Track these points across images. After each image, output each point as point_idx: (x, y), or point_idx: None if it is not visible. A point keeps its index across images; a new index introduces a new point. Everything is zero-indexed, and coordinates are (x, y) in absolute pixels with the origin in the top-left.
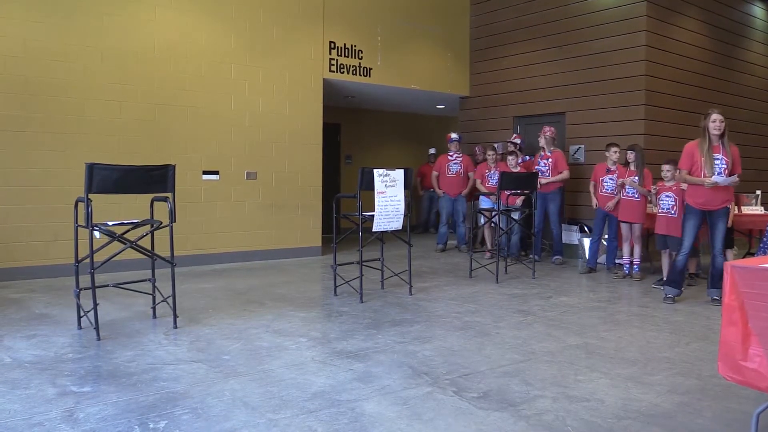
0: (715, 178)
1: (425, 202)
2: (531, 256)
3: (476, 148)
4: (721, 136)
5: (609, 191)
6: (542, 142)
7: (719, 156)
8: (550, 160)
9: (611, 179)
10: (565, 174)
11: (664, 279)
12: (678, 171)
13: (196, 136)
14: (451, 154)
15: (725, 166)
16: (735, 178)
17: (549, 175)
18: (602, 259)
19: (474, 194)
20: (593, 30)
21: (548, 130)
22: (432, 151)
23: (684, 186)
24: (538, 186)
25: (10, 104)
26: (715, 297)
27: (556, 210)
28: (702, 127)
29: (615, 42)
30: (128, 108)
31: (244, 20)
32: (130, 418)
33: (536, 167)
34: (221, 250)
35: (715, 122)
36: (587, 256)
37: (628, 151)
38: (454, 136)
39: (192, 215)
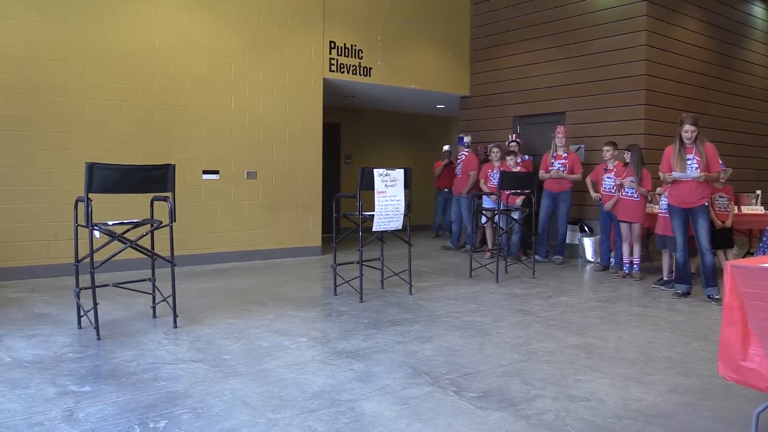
0: (676, 174)
1: (439, 203)
2: (533, 256)
3: (477, 148)
4: (694, 140)
5: (607, 190)
6: (561, 142)
7: (691, 156)
8: (566, 161)
9: (609, 178)
10: (580, 177)
11: (664, 278)
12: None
13: (196, 135)
14: (459, 154)
15: (696, 166)
16: (696, 173)
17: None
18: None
19: (474, 193)
20: (593, 30)
21: (564, 130)
22: (446, 148)
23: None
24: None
25: (10, 104)
26: (710, 295)
27: (566, 210)
28: (677, 132)
29: (615, 42)
30: (128, 108)
31: (244, 20)
32: (130, 418)
33: (551, 168)
34: (221, 249)
35: (687, 132)
36: (589, 255)
37: (626, 152)
38: (459, 138)
39: (192, 215)
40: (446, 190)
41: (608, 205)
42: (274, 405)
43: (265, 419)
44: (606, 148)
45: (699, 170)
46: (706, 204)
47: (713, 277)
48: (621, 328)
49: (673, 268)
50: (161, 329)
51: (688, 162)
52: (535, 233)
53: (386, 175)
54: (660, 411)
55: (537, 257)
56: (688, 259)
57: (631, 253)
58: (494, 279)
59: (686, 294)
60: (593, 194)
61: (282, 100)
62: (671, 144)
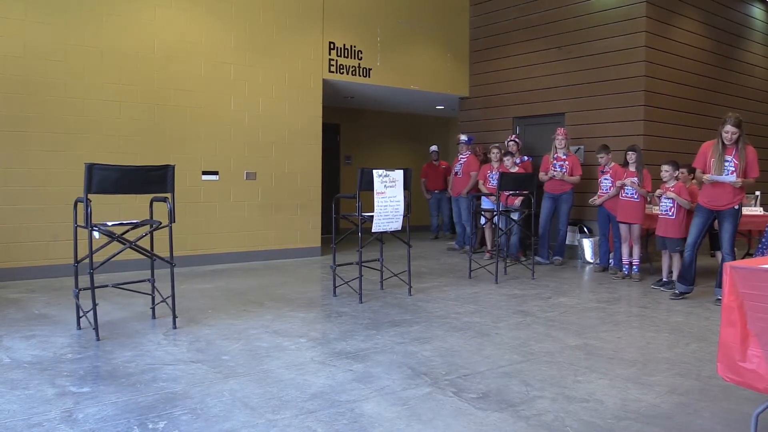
0: (712, 176)
1: (433, 205)
2: (532, 257)
3: (476, 148)
4: (735, 141)
5: (605, 191)
6: (561, 144)
7: (729, 158)
8: (566, 163)
9: (606, 179)
10: (578, 179)
11: (663, 279)
12: (691, 171)
13: (196, 136)
14: (460, 155)
15: (733, 168)
16: (732, 178)
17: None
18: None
19: (473, 194)
20: (593, 31)
21: (564, 132)
22: (433, 148)
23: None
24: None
25: (9, 104)
26: (720, 297)
27: (567, 211)
28: (718, 131)
29: (615, 43)
30: (128, 108)
31: (243, 20)
32: (130, 419)
33: (552, 171)
34: (220, 250)
35: (727, 133)
36: (588, 256)
37: (629, 152)
38: (462, 138)
39: (191, 215)
40: (437, 191)
41: (598, 201)
42: (273, 406)
43: (264, 420)
44: (600, 155)
45: (735, 174)
46: (736, 207)
47: None
48: (620, 329)
49: (673, 269)
50: (160, 330)
51: (726, 164)
52: (535, 234)
53: (386, 176)
54: (659, 412)
55: (539, 259)
56: (695, 260)
57: (630, 254)
58: (493, 280)
59: (684, 294)
60: (592, 201)
61: (281, 100)
62: (709, 140)
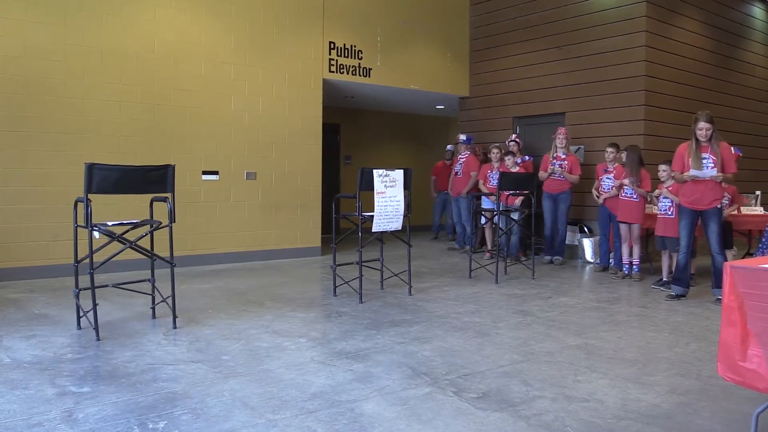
0: (693, 172)
1: (438, 204)
2: (532, 257)
3: (476, 148)
4: (710, 138)
5: (606, 190)
6: (561, 143)
7: (707, 155)
8: (566, 162)
9: (608, 179)
10: (577, 178)
11: (663, 279)
12: (671, 173)
13: (196, 136)
14: (459, 155)
15: (712, 165)
16: (714, 172)
17: (563, 177)
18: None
19: (473, 193)
20: (593, 30)
21: (565, 131)
22: (449, 147)
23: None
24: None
25: (9, 104)
26: (720, 297)
27: (566, 210)
28: (692, 129)
29: (615, 42)
30: (128, 108)
31: (243, 20)
32: (130, 419)
33: (551, 168)
34: (220, 250)
35: (701, 130)
36: (588, 256)
37: (623, 152)
38: (462, 137)
39: (191, 215)
40: (443, 192)
41: (601, 199)
42: (273, 406)
43: (264, 420)
44: (609, 149)
45: (716, 170)
46: (719, 206)
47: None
48: (620, 329)
49: (673, 268)
50: (161, 330)
51: (704, 161)
52: (536, 234)
53: (386, 175)
54: (659, 411)
55: (547, 257)
56: (689, 261)
57: (630, 254)
58: (494, 280)
59: (680, 296)
60: (597, 197)
61: (281, 100)
62: (683, 142)
